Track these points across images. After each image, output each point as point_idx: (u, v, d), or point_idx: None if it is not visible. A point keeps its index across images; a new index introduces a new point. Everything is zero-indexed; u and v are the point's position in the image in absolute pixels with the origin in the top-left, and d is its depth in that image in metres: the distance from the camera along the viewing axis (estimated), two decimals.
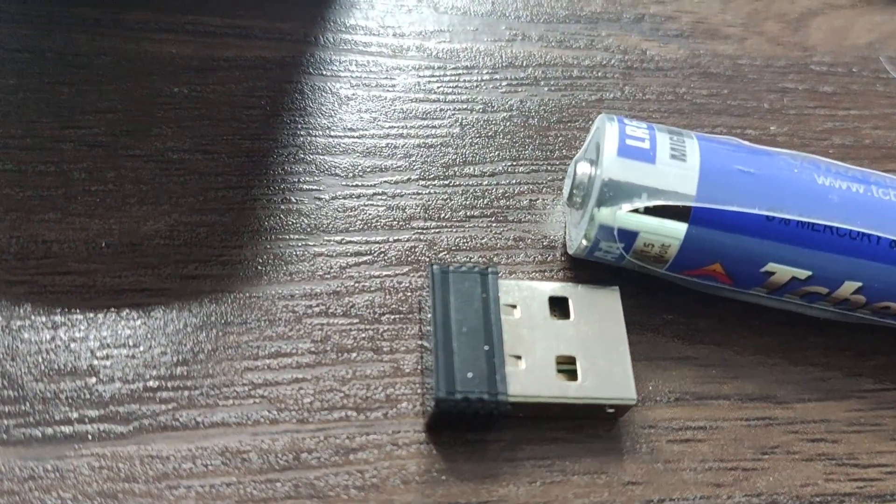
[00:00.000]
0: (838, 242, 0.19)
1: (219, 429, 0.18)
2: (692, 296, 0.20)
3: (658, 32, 0.26)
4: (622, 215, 0.18)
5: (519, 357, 0.18)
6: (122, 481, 0.17)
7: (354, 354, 0.19)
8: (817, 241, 0.19)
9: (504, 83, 0.24)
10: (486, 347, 0.18)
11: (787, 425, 0.20)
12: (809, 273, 0.19)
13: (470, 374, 0.17)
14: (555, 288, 0.19)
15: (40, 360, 0.18)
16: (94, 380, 0.18)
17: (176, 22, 0.23)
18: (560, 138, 0.23)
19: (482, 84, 0.24)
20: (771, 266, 0.19)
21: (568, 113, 0.23)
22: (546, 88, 0.24)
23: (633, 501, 0.18)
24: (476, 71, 0.24)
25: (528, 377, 0.18)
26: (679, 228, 0.18)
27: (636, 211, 0.18)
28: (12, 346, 0.18)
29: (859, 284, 0.19)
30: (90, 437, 0.17)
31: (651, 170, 0.19)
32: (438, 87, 0.23)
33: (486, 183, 0.22)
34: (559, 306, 0.19)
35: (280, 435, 0.18)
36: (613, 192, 0.18)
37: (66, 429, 0.17)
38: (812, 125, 0.25)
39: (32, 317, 0.18)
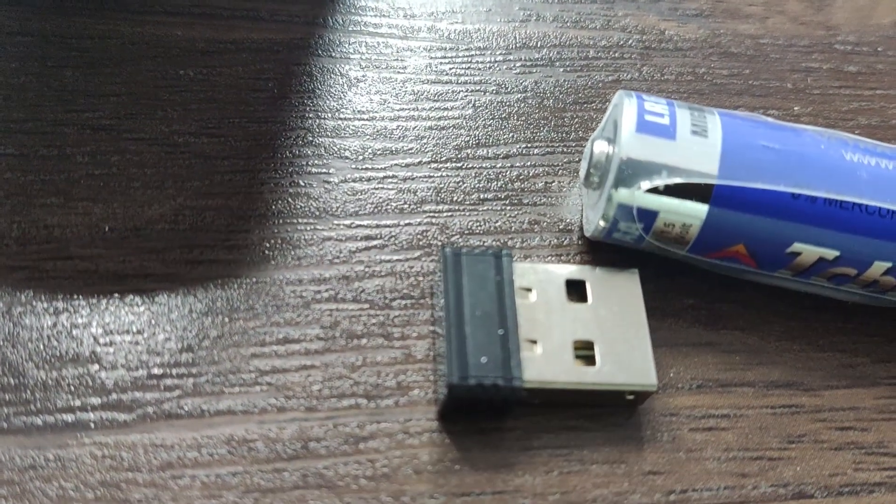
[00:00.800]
0: (868, 221, 0.18)
1: (225, 417, 0.17)
2: (714, 279, 0.20)
3: (676, 12, 0.25)
4: (641, 194, 0.18)
5: (535, 342, 0.18)
6: (126, 471, 0.16)
7: (364, 340, 0.18)
8: (846, 219, 0.18)
9: (518, 64, 0.23)
10: (501, 332, 0.17)
11: (815, 413, 0.19)
12: (837, 253, 0.18)
13: (484, 359, 0.17)
14: (572, 271, 0.19)
15: (42, 346, 0.17)
16: (96, 367, 0.17)
17: (181, 4, 0.22)
18: (576, 119, 0.22)
19: (495, 65, 0.23)
20: (797, 246, 0.18)
21: (584, 94, 0.23)
22: (561, 69, 0.23)
23: (655, 492, 0.17)
24: (489, 52, 0.23)
25: (545, 362, 0.17)
26: (700, 207, 0.18)
27: (656, 189, 0.18)
28: (13, 332, 0.17)
29: (889, 265, 0.18)
30: (92, 425, 0.17)
31: (671, 146, 0.18)
32: (450, 69, 0.23)
33: (499, 165, 0.21)
34: (576, 290, 0.18)
35: (288, 423, 0.17)
36: (632, 171, 0.18)
37: (68, 417, 0.17)
38: (837, 105, 0.24)
39: (34, 303, 0.18)
